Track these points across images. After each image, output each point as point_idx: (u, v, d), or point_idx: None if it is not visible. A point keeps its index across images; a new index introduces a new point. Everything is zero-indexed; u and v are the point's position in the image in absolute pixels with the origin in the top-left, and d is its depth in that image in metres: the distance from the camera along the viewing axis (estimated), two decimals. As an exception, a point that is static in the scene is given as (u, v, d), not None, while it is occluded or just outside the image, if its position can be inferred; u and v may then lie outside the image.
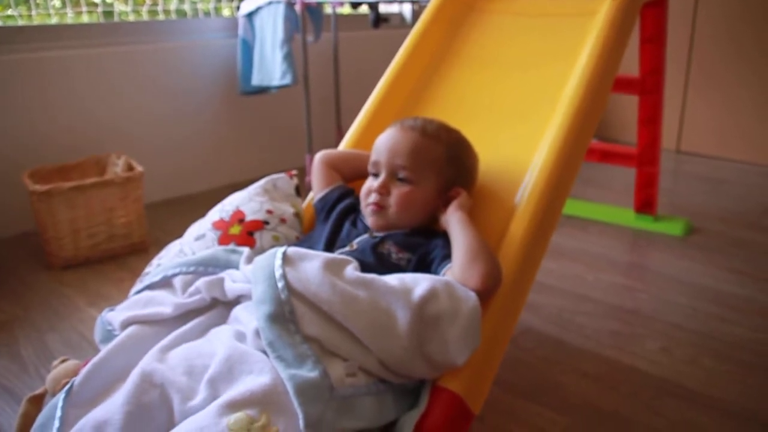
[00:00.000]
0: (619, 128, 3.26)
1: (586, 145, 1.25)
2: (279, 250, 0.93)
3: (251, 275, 0.93)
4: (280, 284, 0.88)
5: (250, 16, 2.37)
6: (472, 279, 0.93)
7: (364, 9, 2.74)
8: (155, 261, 1.22)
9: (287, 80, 2.23)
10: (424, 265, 1.04)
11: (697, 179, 2.71)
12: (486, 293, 0.94)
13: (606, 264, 1.82)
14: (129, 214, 1.89)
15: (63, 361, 1.10)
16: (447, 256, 1.01)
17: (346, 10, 3.06)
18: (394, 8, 3.29)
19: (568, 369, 1.31)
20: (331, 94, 2.90)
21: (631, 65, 1.77)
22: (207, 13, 2.60)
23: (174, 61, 2.38)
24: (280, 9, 2.22)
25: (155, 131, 2.38)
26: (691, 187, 2.59)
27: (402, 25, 3.32)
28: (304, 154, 2.60)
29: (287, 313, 0.85)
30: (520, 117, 1.32)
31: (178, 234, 2.04)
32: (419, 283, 0.90)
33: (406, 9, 3.30)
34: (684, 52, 3.02)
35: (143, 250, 1.95)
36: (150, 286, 1.09)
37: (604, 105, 1.30)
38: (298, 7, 2.24)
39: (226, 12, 2.67)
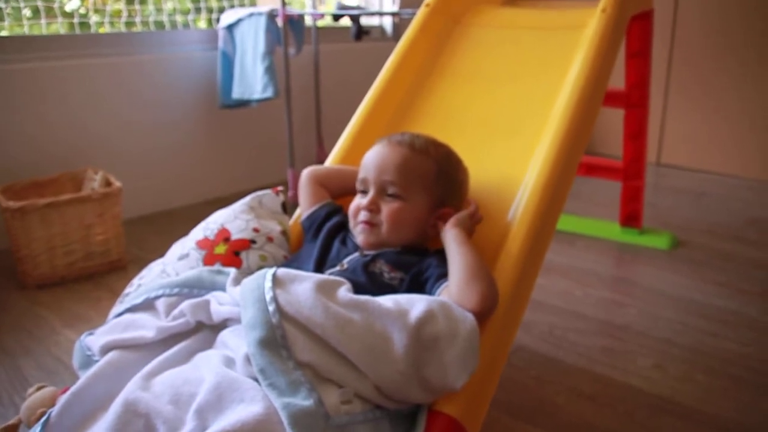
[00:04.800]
0: (600, 142, 3.27)
1: (578, 160, 1.24)
2: (268, 272, 0.90)
3: (240, 298, 0.89)
4: (270, 307, 0.84)
5: (230, 28, 2.33)
6: (470, 299, 0.91)
7: (344, 21, 2.72)
8: (136, 281, 1.17)
9: (269, 93, 2.20)
10: (417, 284, 1.01)
11: (679, 192, 2.73)
12: (484, 314, 0.91)
13: (594, 279, 1.81)
14: (107, 232, 1.83)
15: (39, 388, 1.05)
16: (442, 275, 0.98)
17: (326, 22, 3.04)
18: (374, 21, 3.28)
19: (562, 388, 1.29)
20: (312, 107, 2.88)
21: (614, 79, 1.77)
22: (186, 25, 2.56)
23: (152, 74, 2.33)
24: (261, 21, 2.19)
25: (133, 145, 2.33)
26: (673, 200, 2.60)
27: (383, 38, 3.31)
28: (285, 168, 2.56)
29: (279, 337, 0.82)
30: (509, 131, 1.30)
31: (158, 252, 1.99)
32: (415, 304, 0.87)
33: (387, 22, 3.29)
34: (663, 66, 3.05)
35: (122, 268, 1.89)
36: (131, 309, 1.04)
37: (595, 119, 1.29)
38: (279, 20, 2.21)
39: (202, 24, 2.63)
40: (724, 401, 1.26)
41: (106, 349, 0.97)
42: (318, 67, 2.78)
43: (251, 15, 2.23)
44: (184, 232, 2.00)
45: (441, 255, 1.05)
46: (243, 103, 2.39)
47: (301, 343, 0.82)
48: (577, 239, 2.14)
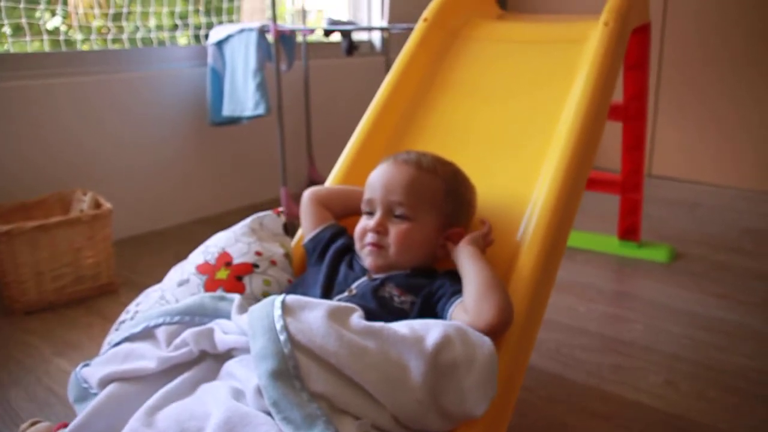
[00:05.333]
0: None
1: (587, 177, 1.22)
2: (277, 299, 0.86)
3: (248, 327, 0.85)
4: (281, 337, 0.80)
5: (219, 44, 2.30)
6: (486, 312, 0.88)
7: (334, 37, 2.70)
8: (132, 308, 1.13)
9: (261, 110, 2.16)
10: (429, 306, 0.98)
11: (673, 204, 2.72)
12: (500, 327, 0.88)
13: (596, 293, 1.79)
14: (97, 254, 1.78)
15: (33, 423, 1.00)
16: (456, 293, 0.96)
17: (316, 38, 3.01)
18: (363, 36, 3.27)
19: (575, 408, 1.26)
20: (302, 124, 2.84)
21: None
22: (161, 43, 2.52)
23: (141, 91, 2.29)
24: (252, 37, 2.16)
25: (122, 164, 2.28)
26: (667, 212, 2.60)
27: (372, 52, 3.29)
28: (278, 186, 2.52)
29: (291, 368, 0.78)
30: (513, 147, 1.28)
31: (150, 274, 1.96)
32: (431, 329, 0.84)
33: (376, 37, 3.27)
34: (653, 76, 3.06)
35: (113, 292, 1.84)
36: (129, 338, 0.99)
37: (601, 135, 1.27)
38: (271, 36, 2.19)
39: (183, 41, 2.58)
40: (738, 418, 1.24)
41: (105, 382, 0.92)
42: (308, 84, 2.75)
43: (242, 31, 2.20)
44: (176, 253, 1.96)
45: (451, 275, 1.02)
46: (233, 121, 2.35)
47: (315, 373, 0.79)
48: (576, 253, 2.12)
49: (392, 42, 3.30)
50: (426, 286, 0.99)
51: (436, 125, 1.37)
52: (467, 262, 0.97)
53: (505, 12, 1.77)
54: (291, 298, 0.87)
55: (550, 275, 1.08)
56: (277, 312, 0.84)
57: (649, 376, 1.37)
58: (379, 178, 1.06)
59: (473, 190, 1.12)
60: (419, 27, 1.52)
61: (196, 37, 2.61)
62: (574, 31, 1.45)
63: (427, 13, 1.54)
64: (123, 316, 1.12)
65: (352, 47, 2.49)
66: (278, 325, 0.82)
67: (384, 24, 3.11)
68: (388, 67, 3.22)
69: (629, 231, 2.04)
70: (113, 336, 1.09)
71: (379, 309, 0.96)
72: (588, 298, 1.76)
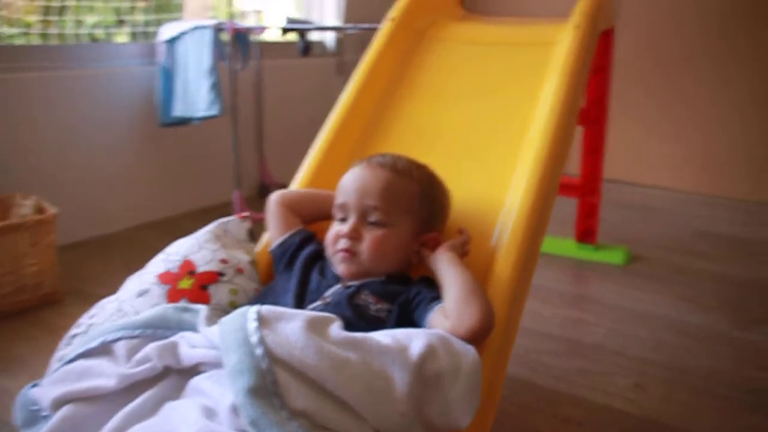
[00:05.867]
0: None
1: (559, 180, 1.21)
2: (251, 310, 0.81)
3: (219, 340, 0.79)
4: (258, 351, 0.75)
5: (171, 42, 2.21)
6: (469, 318, 0.85)
7: (289, 37, 2.64)
8: (84, 320, 1.05)
9: (214, 111, 2.09)
10: (406, 314, 0.94)
11: (625, 207, 2.77)
12: (483, 333, 0.86)
13: (558, 298, 1.79)
14: (41, 262, 1.67)
15: (-25, 451, 0.91)
16: (434, 299, 0.93)
17: (269, 37, 2.94)
18: (315, 37, 3.21)
19: (547, 415, 1.25)
20: (253, 125, 2.76)
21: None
22: (94, 40, 2.40)
23: (85, 90, 2.17)
24: (206, 35, 2.08)
25: (65, 166, 2.15)
26: (621, 215, 2.64)
27: (324, 53, 3.24)
28: (229, 189, 2.44)
29: (270, 384, 0.73)
30: (484, 150, 1.25)
31: (97, 281, 1.86)
32: (414, 339, 0.80)
33: (329, 37, 3.23)
34: (602, 82, 3.11)
35: (57, 301, 1.73)
36: (85, 354, 0.92)
37: (572, 138, 1.26)
38: (227, 34, 2.11)
39: (121, 38, 2.46)
40: (709, 420, 1.26)
41: (58, 403, 0.84)
42: (260, 84, 2.68)
43: (195, 29, 2.12)
44: (124, 259, 1.86)
45: (427, 282, 0.99)
46: (184, 121, 2.26)
47: (295, 389, 0.74)
48: (534, 257, 2.12)
49: (346, 43, 3.26)
50: (402, 293, 0.96)
51: (404, 127, 1.34)
52: (447, 268, 0.94)
53: (468, 13, 1.76)
54: (266, 308, 0.81)
55: (526, 281, 1.07)
56: (252, 324, 0.79)
57: (617, 380, 1.37)
58: (352, 182, 1.02)
59: (448, 194, 1.09)
60: (386, 26, 1.49)
61: (134, 35, 2.48)
62: (543, 33, 1.44)
63: (393, 13, 1.51)
64: (74, 330, 1.04)
65: (308, 47, 2.44)
66: (254, 338, 0.77)
67: (339, 24, 3.07)
68: (340, 68, 3.18)
69: (587, 233, 2.06)
70: (65, 351, 1.01)
71: (355, 318, 0.92)
72: (551, 302, 1.76)
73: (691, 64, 2.95)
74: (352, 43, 3.34)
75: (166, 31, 2.22)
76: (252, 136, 2.77)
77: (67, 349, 1.01)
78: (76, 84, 2.15)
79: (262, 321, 0.79)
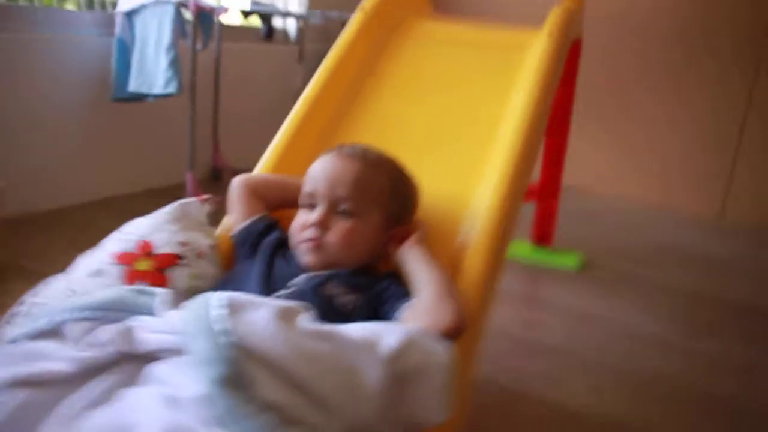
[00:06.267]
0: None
1: (528, 181, 1.21)
2: (216, 296, 0.78)
3: (182, 326, 0.76)
4: (224, 339, 0.72)
5: (130, 14, 2.12)
6: (444, 316, 0.85)
7: (252, 21, 2.58)
8: (28, 299, 0.99)
9: (171, 89, 2.02)
10: (373, 308, 0.93)
11: (579, 214, 2.81)
12: (457, 333, 0.85)
13: (514, 299, 1.81)
14: (-21, 235, 1.58)
15: None
16: (404, 295, 0.91)
17: (231, 20, 2.87)
18: (278, 24, 3.15)
19: (508, 415, 1.27)
20: (209, 107, 2.68)
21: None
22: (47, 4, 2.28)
23: (35, 56, 2.07)
24: (168, 10, 2.01)
25: (8, 135, 2.04)
26: (576, 223, 2.68)
27: (285, 41, 3.19)
28: (181, 171, 2.36)
29: (237, 375, 0.70)
30: (451, 147, 1.25)
31: (39, 258, 1.77)
32: (386, 334, 0.79)
33: (291, 26, 3.17)
34: (559, 90, 3.15)
35: (-3, 278, 1.64)
36: (30, 334, 0.86)
37: (540, 145, 1.27)
38: (190, 11, 2.04)
39: (69, 6, 2.34)
40: (663, 423, 1.30)
41: (1, 387, 0.79)
42: (218, 66, 2.61)
43: (156, 3, 2.05)
44: (69, 236, 1.78)
45: (395, 277, 0.98)
46: (139, 97, 2.18)
47: (265, 380, 0.71)
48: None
49: (308, 32, 3.21)
50: (370, 287, 0.95)
51: (371, 119, 1.32)
52: (418, 263, 0.94)
53: (437, 13, 1.75)
54: (231, 295, 0.78)
55: (494, 282, 1.06)
56: (217, 311, 0.75)
57: (575, 382, 1.41)
58: (322, 171, 0.99)
59: (417, 189, 1.08)
60: (357, 17, 1.47)
61: (90, 3, 2.36)
62: (514, 38, 1.45)
63: (365, 3, 1.49)
64: (16, 308, 0.98)
65: (271, 31, 2.39)
66: (220, 326, 0.74)
67: (301, 11, 3.02)
68: (301, 56, 3.13)
69: (543, 237, 2.09)
70: (4, 330, 0.95)
71: (322, 308, 0.89)
72: (509, 303, 1.78)
73: (648, 76, 3.02)
74: (314, 33, 3.30)
75: (125, 3, 2.13)
76: (207, 119, 2.69)
77: (6, 328, 0.95)
78: (25, 49, 2.04)
79: (228, 308, 0.76)
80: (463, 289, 0.98)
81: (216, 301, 0.77)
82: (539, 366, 1.46)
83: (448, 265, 1.03)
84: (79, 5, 2.29)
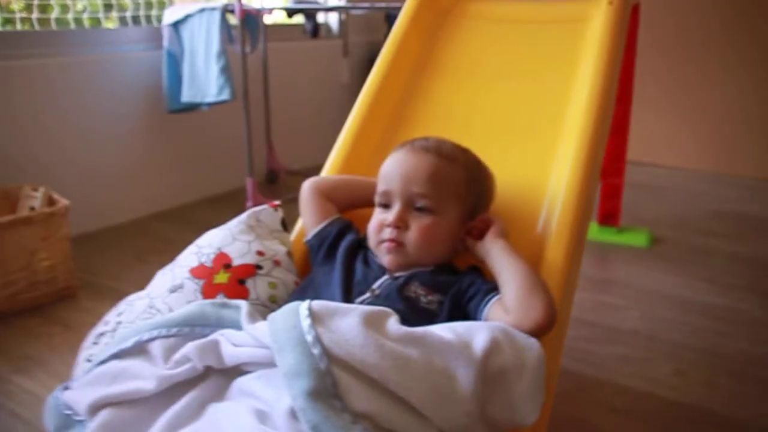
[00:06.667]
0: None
1: (601, 162, 1.16)
2: (302, 305, 0.76)
3: (270, 339, 0.74)
4: (315, 350, 0.70)
5: (176, 25, 2.13)
6: (534, 312, 0.81)
7: (296, 19, 2.57)
8: (112, 318, 1.00)
9: (225, 95, 2.02)
10: (458, 306, 0.89)
11: (637, 187, 2.72)
12: (548, 328, 0.82)
13: (586, 282, 1.75)
14: (53, 256, 1.61)
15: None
16: (490, 290, 0.88)
17: (274, 19, 2.87)
18: (319, 19, 3.14)
19: (591, 403, 1.22)
20: (260, 110, 2.69)
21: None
22: (79, 23, 2.31)
23: (90, 77, 2.10)
24: (214, 17, 2.01)
25: (70, 157, 2.09)
26: (635, 196, 2.59)
27: (329, 35, 3.17)
28: (239, 176, 2.38)
29: (330, 386, 0.68)
30: (522, 132, 1.20)
31: (109, 274, 1.81)
32: (476, 333, 0.76)
33: (333, 19, 3.15)
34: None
35: (71, 296, 1.67)
36: (118, 354, 0.86)
37: (610, 119, 1.21)
38: (236, 15, 2.04)
39: (109, 24, 2.37)
40: (754, 406, 1.22)
41: (95, 408, 0.79)
42: (266, 68, 2.61)
43: (202, 11, 2.05)
44: (135, 250, 1.80)
45: (478, 271, 0.95)
46: (192, 107, 2.19)
47: (356, 390, 0.69)
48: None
49: (349, 25, 3.18)
50: (454, 284, 0.91)
51: (435, 110, 1.28)
52: (503, 257, 0.90)
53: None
54: (318, 304, 0.77)
55: (577, 269, 1.02)
56: (306, 321, 0.74)
57: (657, 366, 1.34)
58: (396, 168, 0.96)
59: (493, 179, 1.04)
60: (409, 4, 1.42)
61: (123, 19, 2.37)
62: (572, 10, 1.38)
63: (415, -10, 1.44)
64: (101, 328, 0.99)
65: (317, 29, 2.37)
66: (309, 337, 0.72)
67: (345, 3, 2.99)
68: (346, 50, 3.11)
69: (609, 216, 2.02)
70: (92, 351, 0.96)
71: (407, 310, 0.87)
72: (580, 286, 1.72)
73: (707, 45, 2.89)
74: (356, 24, 3.27)
75: (171, 14, 2.15)
76: (259, 121, 2.70)
77: (94, 348, 0.96)
78: (78, 71, 2.07)
79: (315, 318, 0.74)
80: (548, 280, 0.94)
81: (303, 310, 0.75)
82: (619, 351, 1.41)
83: (529, 254, 0.99)
84: (122, 22, 2.31)
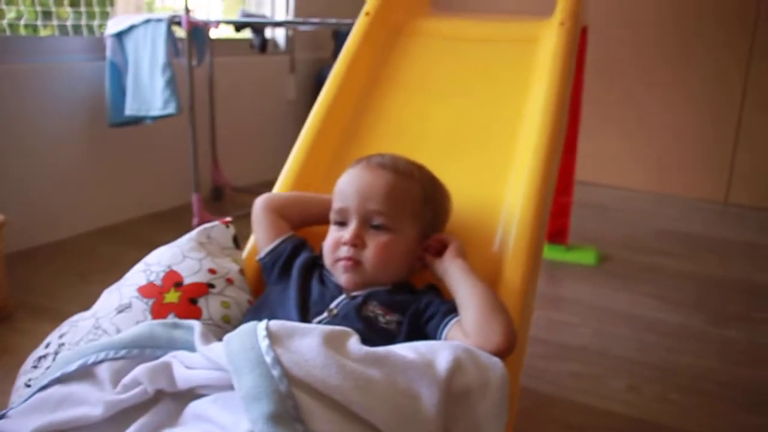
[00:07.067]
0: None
1: (555, 180, 1.18)
2: (259, 326, 0.74)
3: (227, 360, 0.72)
4: (275, 372, 0.68)
5: (120, 36, 2.07)
6: (494, 335, 0.81)
7: (243, 33, 2.53)
8: (53, 340, 0.95)
9: (170, 109, 1.97)
10: (417, 326, 0.89)
11: (582, 206, 2.78)
12: (508, 351, 0.82)
13: (537, 299, 1.76)
14: (-14, 275, 1.52)
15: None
16: (449, 312, 0.87)
17: (220, 33, 2.82)
18: (267, 33, 3.11)
19: (547, 420, 1.22)
20: (205, 124, 2.63)
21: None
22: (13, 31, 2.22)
23: (27, 86, 2.01)
24: (160, 29, 1.96)
25: (5, 169, 1.99)
26: (580, 215, 2.65)
27: (275, 51, 3.14)
28: (183, 192, 2.31)
29: (291, 409, 0.66)
30: (474, 148, 1.21)
31: (47, 293, 1.72)
32: (439, 352, 0.75)
33: (280, 35, 3.13)
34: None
35: (5, 317, 1.57)
36: (61, 378, 0.82)
37: (563, 139, 1.24)
38: (183, 27, 2.00)
39: (45, 33, 2.27)
40: (705, 419, 1.26)
41: (37, 437, 0.75)
42: (212, 81, 2.56)
43: (147, 21, 2.00)
44: (75, 268, 1.73)
45: (435, 290, 0.94)
46: (136, 120, 2.13)
47: (318, 412, 0.67)
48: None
49: (297, 40, 3.17)
50: (412, 304, 0.90)
51: (386, 126, 1.28)
52: (461, 277, 0.89)
53: (436, 10, 1.71)
54: (276, 323, 0.74)
55: (534, 290, 1.03)
56: (264, 342, 0.71)
57: (610, 382, 1.37)
58: (352, 185, 0.95)
59: (449, 196, 1.04)
60: (361, 21, 1.43)
61: (62, 28, 2.27)
62: (523, 30, 1.41)
63: (368, 7, 1.45)
64: (42, 351, 0.94)
65: (265, 43, 2.34)
66: (268, 358, 0.70)
67: (289, 18, 2.98)
68: (292, 66, 3.09)
69: (558, 234, 2.05)
70: (32, 375, 0.91)
71: (365, 330, 0.85)
72: (531, 304, 1.74)
73: (641, 68, 3.00)
74: (303, 40, 3.26)
75: (114, 25, 2.08)
76: (204, 136, 2.64)
77: (34, 372, 0.91)
78: (14, 80, 1.98)
79: (274, 338, 0.72)
80: (507, 301, 0.94)
81: (260, 330, 0.73)
82: (572, 368, 1.42)
83: (486, 273, 1.00)
84: (62, 31, 2.23)
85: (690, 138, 2.97)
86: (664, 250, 2.24)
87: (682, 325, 1.66)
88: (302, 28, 2.73)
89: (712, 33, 2.85)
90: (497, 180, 1.14)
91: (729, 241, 2.40)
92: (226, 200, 2.67)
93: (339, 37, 3.18)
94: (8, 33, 2.09)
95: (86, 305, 0.88)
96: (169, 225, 2.25)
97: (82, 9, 2.25)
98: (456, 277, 0.89)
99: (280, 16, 3.08)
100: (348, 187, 0.95)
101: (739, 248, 2.33)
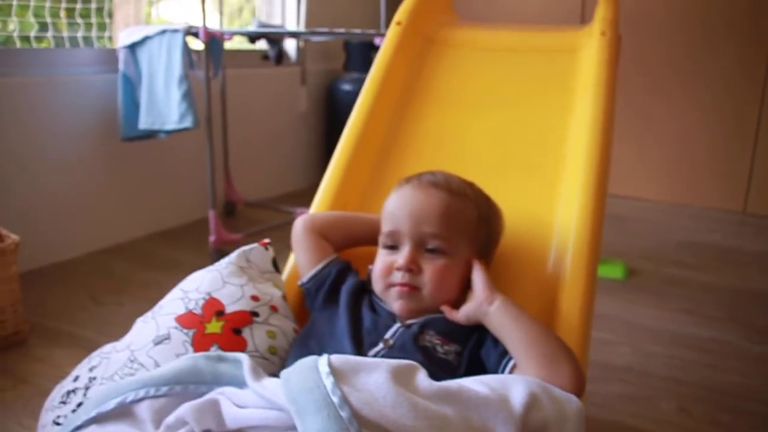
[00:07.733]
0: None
1: (606, 196, 1.12)
2: (320, 361, 0.68)
3: (287, 399, 0.66)
4: (344, 413, 0.62)
5: (133, 47, 2.02)
6: (561, 381, 0.74)
7: (257, 45, 2.48)
8: (83, 373, 0.88)
9: (187, 123, 1.91)
10: (477, 358, 0.83)
11: (608, 219, 2.73)
12: (578, 395, 0.75)
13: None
14: (1, 299, 1.45)
15: None
16: (506, 351, 0.81)
17: (233, 44, 2.77)
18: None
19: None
20: (219, 137, 2.57)
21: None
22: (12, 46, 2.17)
23: (37, 100, 1.95)
24: (176, 40, 1.91)
25: (15, 186, 1.92)
26: (607, 228, 2.59)
27: (287, 63, 3.09)
28: (201, 208, 2.25)
29: (363, 452, 0.60)
30: (517, 164, 1.15)
31: (61, 316, 1.66)
32: (512, 386, 0.70)
33: (291, 46, 3.08)
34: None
35: (20, 342, 1.50)
36: (97, 419, 0.76)
37: (612, 150, 1.18)
38: (201, 38, 1.94)
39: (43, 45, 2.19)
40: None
41: (75, 484, 0.69)
42: (225, 94, 2.51)
43: (163, 32, 1.94)
44: (89, 289, 1.66)
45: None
46: (150, 134, 2.07)
47: (392, 454, 0.62)
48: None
49: (307, 51, 3.12)
50: (472, 334, 0.84)
51: (425, 141, 1.23)
52: (507, 323, 0.80)
53: (463, 19, 1.66)
54: (338, 358, 0.69)
55: (592, 313, 0.97)
56: (329, 379, 0.66)
57: (660, 404, 1.31)
58: (404, 206, 0.89)
59: (501, 214, 0.98)
60: (393, 31, 1.37)
61: (58, 40, 2.19)
62: (561, 40, 1.36)
63: (399, 16, 1.40)
64: (70, 384, 0.87)
65: (280, 55, 2.29)
66: (335, 398, 0.64)
67: (301, 29, 2.93)
68: (304, 78, 3.04)
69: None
70: (61, 412, 0.84)
71: (424, 361, 0.79)
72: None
73: (652, 79, 2.97)
74: (314, 52, 3.21)
75: (127, 36, 2.03)
76: (217, 150, 2.59)
77: (63, 408, 0.85)
78: (24, 94, 1.92)
79: (338, 375, 0.66)
80: (563, 325, 0.88)
81: (322, 367, 0.67)
82: (618, 388, 1.37)
83: (542, 299, 0.94)
84: (58, 43, 2.16)
85: (706, 147, 2.94)
86: (687, 262, 2.19)
87: (717, 340, 1.61)
88: (316, 38, 2.68)
89: (735, 37, 2.81)
90: (546, 197, 1.08)
91: (750, 252, 2.35)
92: (238, 216, 2.61)
93: (350, 48, 3.14)
94: (18, 45, 2.03)
95: (100, 329, 0.84)
96: (182, 243, 2.18)
97: (79, 20, 2.20)
98: (503, 322, 0.81)
99: (291, 27, 3.03)
100: (399, 208, 0.90)
101: (760, 259, 2.28)
